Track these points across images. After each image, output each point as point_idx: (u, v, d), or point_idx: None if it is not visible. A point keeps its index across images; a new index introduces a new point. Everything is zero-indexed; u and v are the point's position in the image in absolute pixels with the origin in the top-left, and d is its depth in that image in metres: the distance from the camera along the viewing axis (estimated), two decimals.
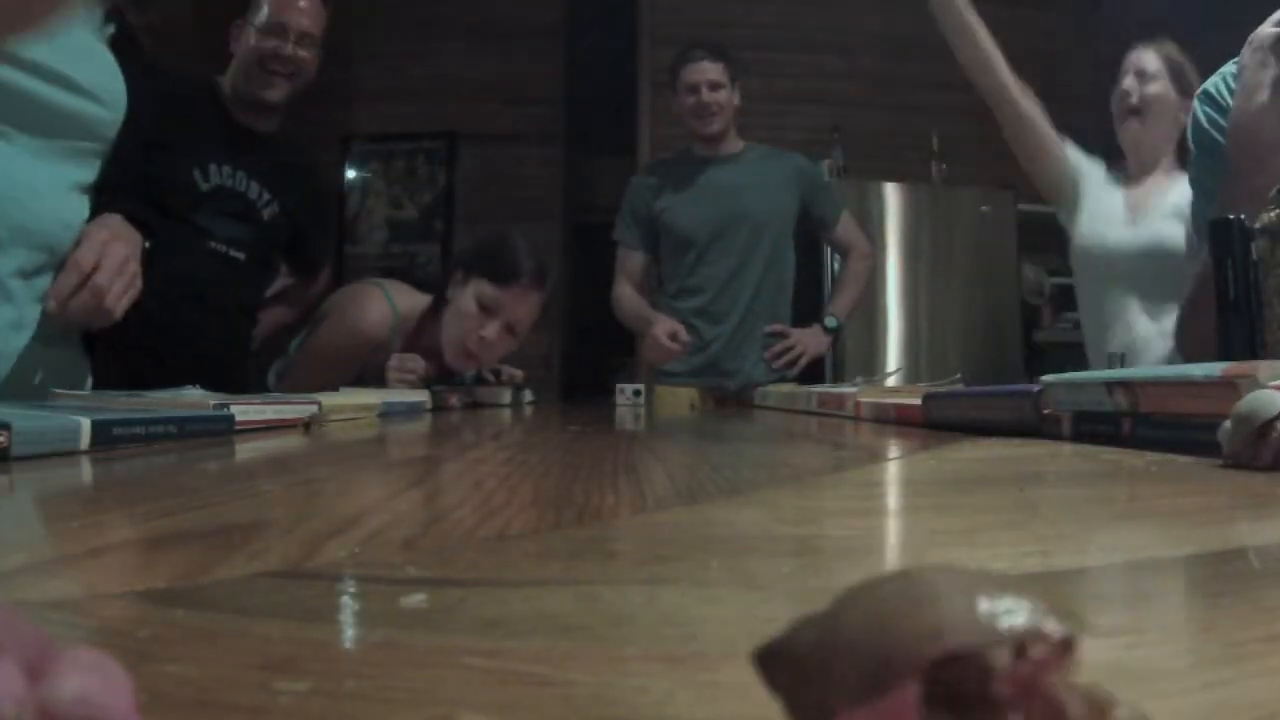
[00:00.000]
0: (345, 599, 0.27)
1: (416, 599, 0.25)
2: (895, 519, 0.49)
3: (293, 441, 0.98)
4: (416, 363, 2.06)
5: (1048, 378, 1.04)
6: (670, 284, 2.85)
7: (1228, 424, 0.64)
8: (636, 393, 2.45)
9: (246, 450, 0.88)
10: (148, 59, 1.52)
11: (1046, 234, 4.13)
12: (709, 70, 2.74)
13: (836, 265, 3.18)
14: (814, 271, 3.38)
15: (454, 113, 4.71)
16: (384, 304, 2.15)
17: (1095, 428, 0.95)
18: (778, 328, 2.78)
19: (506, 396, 2.28)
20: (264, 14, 2.00)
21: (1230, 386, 0.75)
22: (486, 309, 2.05)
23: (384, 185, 4.89)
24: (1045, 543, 0.37)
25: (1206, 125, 1.65)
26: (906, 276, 3.91)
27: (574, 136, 4.98)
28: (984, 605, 0.14)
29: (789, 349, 2.75)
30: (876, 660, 0.14)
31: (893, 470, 0.78)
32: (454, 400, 1.96)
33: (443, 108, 4.70)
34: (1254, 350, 1.11)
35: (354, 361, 2.06)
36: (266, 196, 2.05)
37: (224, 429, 0.98)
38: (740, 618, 0.25)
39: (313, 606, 0.25)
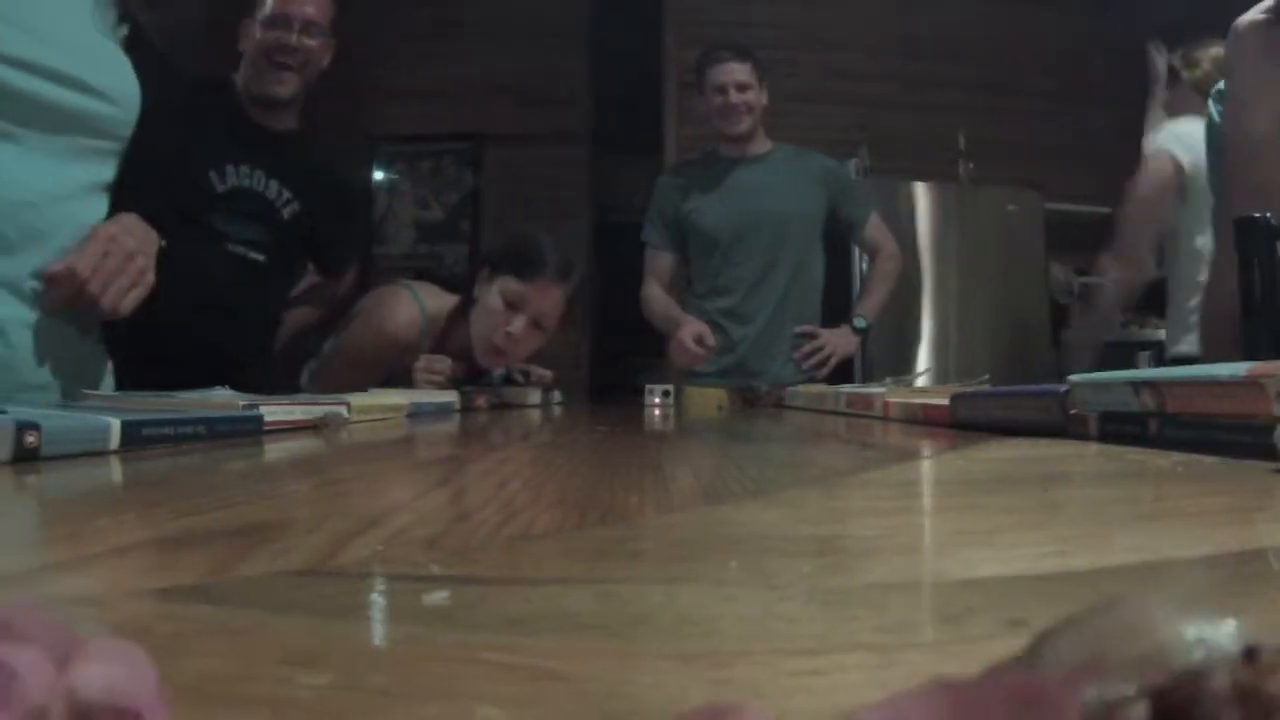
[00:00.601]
0: (368, 596, 0.27)
1: (439, 596, 0.25)
2: (918, 519, 0.50)
3: (320, 442, 0.98)
4: (444, 364, 2.07)
5: (1074, 377, 1.03)
6: (699, 284, 2.85)
7: None
8: (666, 394, 2.45)
9: (274, 451, 0.89)
10: (162, 59, 1.53)
11: (1074, 232, 4.13)
12: (736, 71, 2.74)
13: (865, 266, 3.18)
14: (843, 272, 3.38)
15: (480, 114, 4.73)
16: (412, 305, 2.16)
17: (1122, 428, 0.94)
18: (807, 328, 2.78)
19: (535, 397, 2.29)
20: (268, 6, 1.98)
21: (1257, 386, 0.75)
22: (512, 305, 2.09)
23: (410, 186, 4.91)
24: (1065, 543, 0.37)
25: (1220, 123, 1.64)
26: (935, 276, 3.91)
27: (599, 137, 4.99)
28: (1196, 628, 0.14)
29: (818, 349, 2.75)
30: (1098, 694, 0.13)
31: (917, 470, 0.78)
32: (481, 401, 1.97)
33: (469, 108, 4.72)
34: (1278, 350, 1.10)
35: (383, 363, 2.09)
36: (286, 195, 2.03)
37: (253, 429, 0.99)
38: (758, 617, 0.25)
39: (335, 603, 0.26)
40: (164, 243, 1.42)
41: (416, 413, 1.57)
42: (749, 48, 2.82)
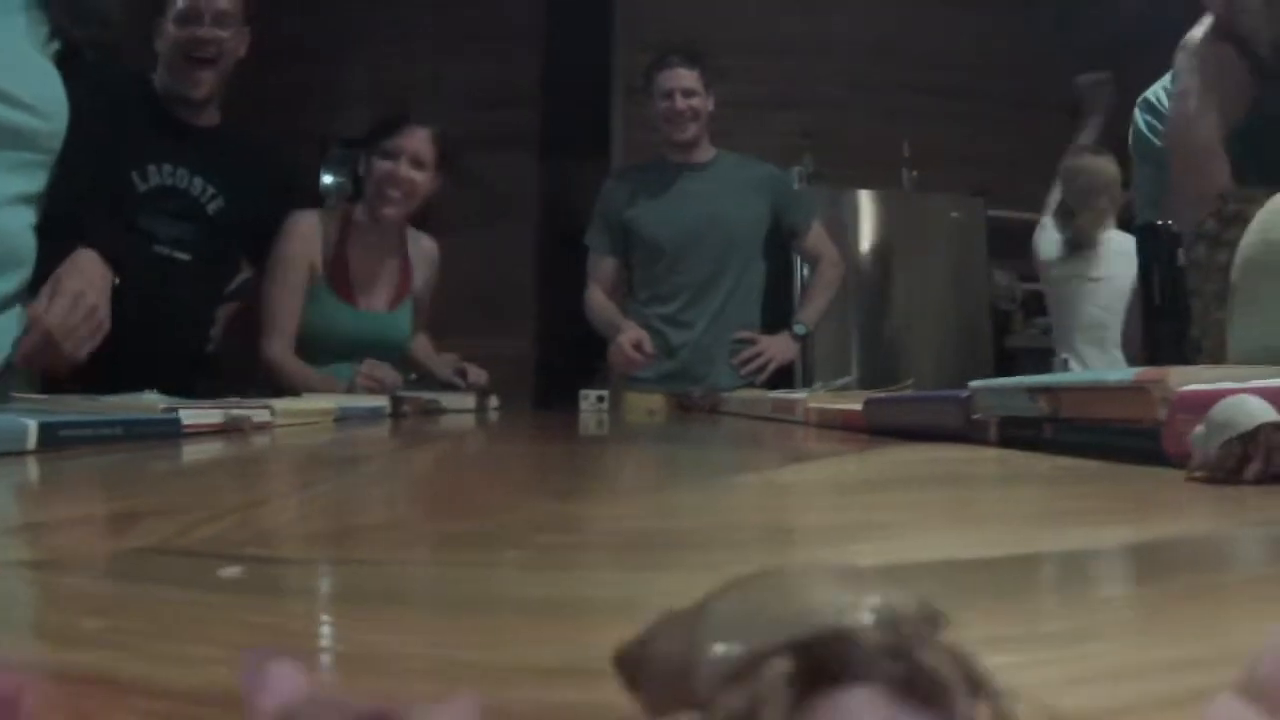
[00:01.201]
0: (177, 567, 0.32)
1: (233, 570, 0.30)
2: (758, 516, 0.54)
3: (235, 444, 1.02)
4: (385, 371, 2.12)
5: (975, 383, 1.08)
6: (641, 291, 2.89)
7: (1201, 429, 0.61)
8: (600, 398, 2.49)
9: (187, 451, 0.92)
10: (93, 70, 1.56)
11: (1016, 240, 4.19)
12: (684, 77, 2.77)
13: (807, 273, 3.22)
14: (784, 280, 3.42)
15: (427, 115, 4.74)
16: (307, 213, 2.29)
17: (1020, 432, 0.97)
18: (745, 335, 2.81)
19: (470, 402, 2.32)
20: (179, 2, 1.97)
21: (1142, 391, 0.78)
22: (390, 155, 2.26)
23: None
24: (886, 540, 0.41)
25: (1146, 133, 1.70)
26: (879, 283, 3.96)
27: (551, 142, 5.01)
28: (847, 592, 0.15)
29: (756, 355, 2.78)
30: (747, 646, 0.15)
31: (795, 473, 0.83)
32: (407, 407, 1.98)
33: (420, 111, 4.72)
34: (1181, 354, 1.15)
35: (299, 285, 2.22)
36: (211, 191, 2.04)
37: (171, 432, 1.03)
38: (532, 593, 0.29)
39: (147, 571, 0.30)
40: (117, 280, 1.50)
41: (344, 417, 1.60)
42: (698, 53, 2.85)
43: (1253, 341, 0.96)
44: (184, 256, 2.01)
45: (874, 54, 4.76)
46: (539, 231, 4.82)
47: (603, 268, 2.91)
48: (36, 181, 1.43)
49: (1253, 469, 0.56)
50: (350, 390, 2.06)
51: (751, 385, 2.68)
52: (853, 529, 0.46)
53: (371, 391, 2.03)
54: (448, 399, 2.25)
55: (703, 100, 2.79)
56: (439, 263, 2.66)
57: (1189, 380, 0.74)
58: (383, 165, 2.26)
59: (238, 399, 1.32)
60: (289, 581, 0.30)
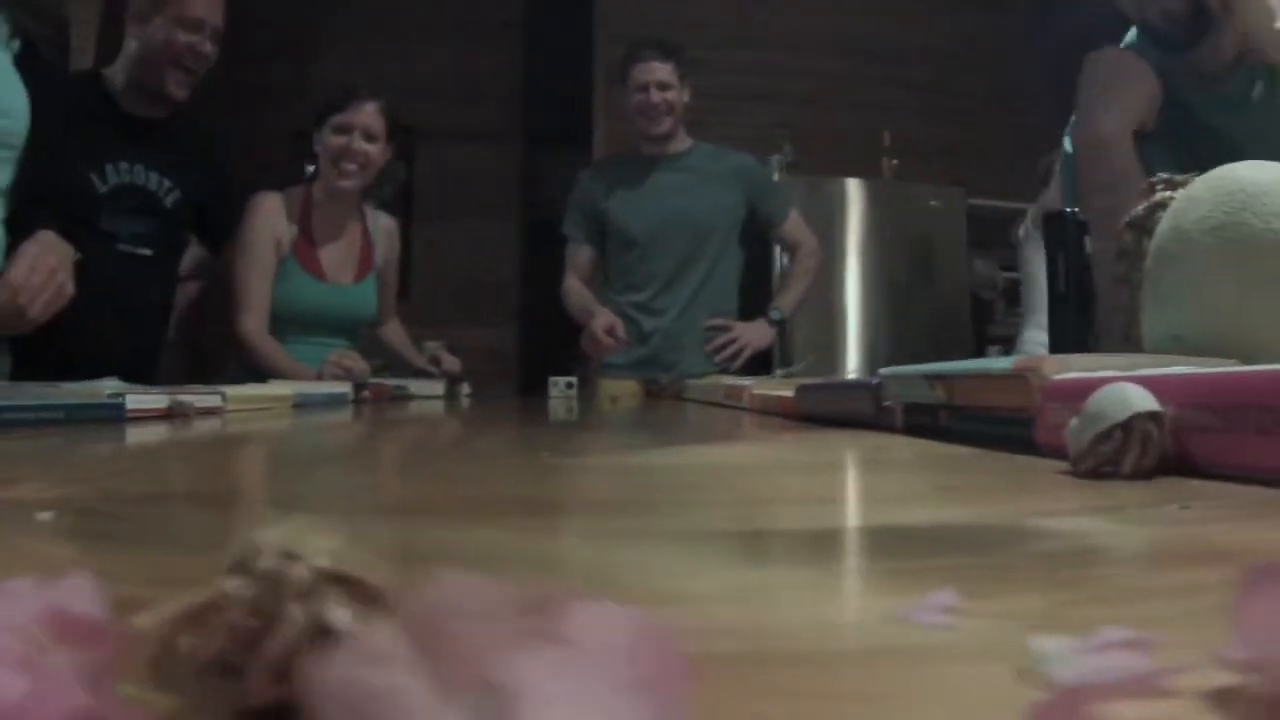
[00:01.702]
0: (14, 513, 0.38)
1: (46, 515, 0.35)
2: (605, 492, 0.59)
3: (177, 428, 1.07)
4: (354, 360, 2.18)
5: (884, 370, 1.11)
6: (615, 279, 2.95)
7: (1075, 421, 0.58)
8: (569, 385, 2.54)
9: (117, 433, 0.98)
10: (52, 69, 1.62)
11: (996, 229, 4.24)
12: (658, 70, 2.80)
13: (785, 261, 3.26)
14: (763, 268, 3.47)
15: (412, 108, 4.77)
16: (269, 193, 2.37)
17: (921, 419, 0.99)
18: (718, 322, 2.87)
19: (440, 389, 2.37)
20: (184, 8, 2.00)
21: (1021, 379, 0.77)
22: (342, 130, 2.36)
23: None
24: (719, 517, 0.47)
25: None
26: (859, 271, 4.00)
27: (531, 133, 5.05)
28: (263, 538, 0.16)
29: (730, 342, 2.83)
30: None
31: (688, 457, 0.88)
32: (367, 393, 2.03)
33: (401, 103, 4.76)
34: (1085, 342, 1.19)
35: (268, 264, 2.31)
36: (167, 184, 2.09)
37: (114, 415, 1.08)
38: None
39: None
40: (78, 255, 1.56)
41: (304, 403, 1.64)
42: (674, 46, 2.89)
43: (1162, 331, 0.94)
44: (146, 252, 2.06)
45: (851, 46, 4.80)
46: (521, 222, 4.86)
47: (579, 257, 2.97)
48: (4, 176, 1.49)
49: (1128, 461, 0.54)
50: (319, 378, 2.11)
51: (725, 371, 2.72)
52: (682, 504, 0.51)
53: (339, 379, 2.08)
54: (416, 385, 2.31)
55: (677, 93, 2.84)
56: (398, 239, 2.77)
57: (1065, 369, 0.74)
58: (336, 140, 2.35)
59: (195, 385, 1.37)
60: (90, 528, 0.36)
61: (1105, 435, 0.55)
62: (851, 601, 0.26)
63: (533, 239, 5.07)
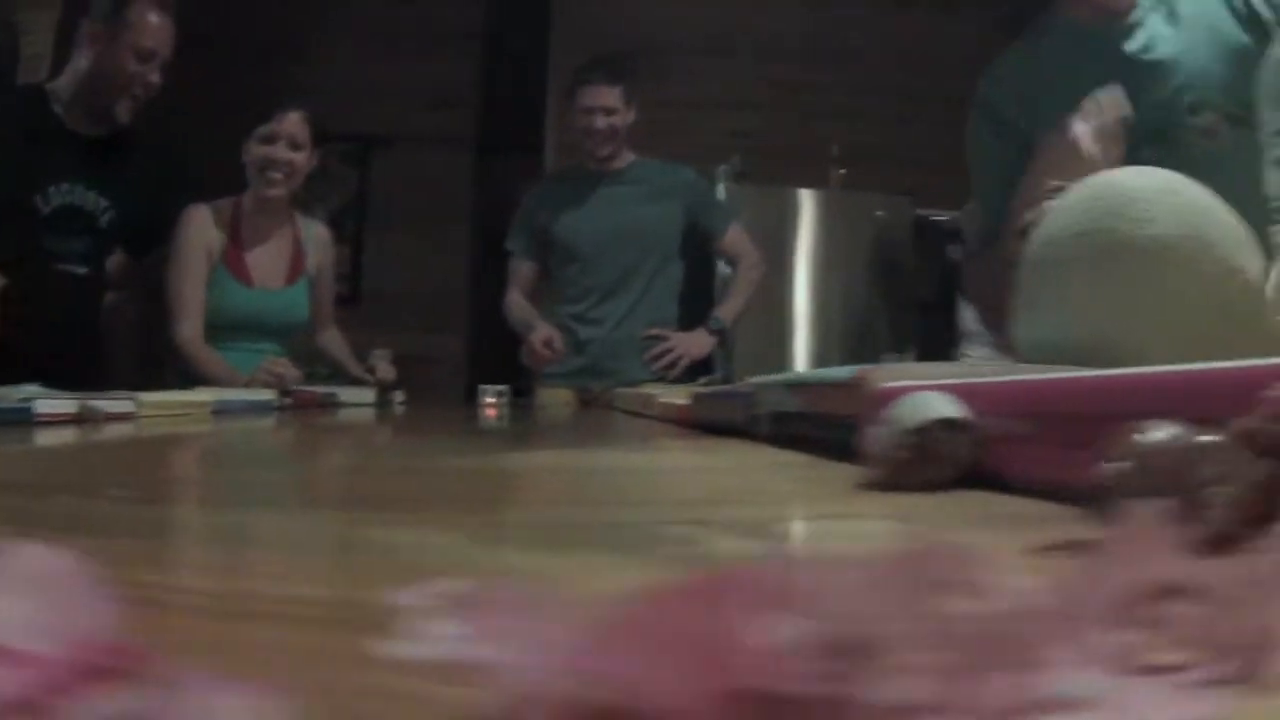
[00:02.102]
0: None
1: None
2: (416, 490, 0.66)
3: (85, 432, 1.14)
4: (285, 367, 2.24)
5: (754, 379, 1.16)
6: (556, 292, 3.03)
7: (882, 429, 0.56)
8: (500, 394, 2.59)
9: (28, 436, 1.04)
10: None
11: (943, 239, 4.31)
12: (604, 95, 2.87)
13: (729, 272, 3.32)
14: (707, 279, 3.53)
15: (368, 116, 4.83)
16: (198, 206, 2.43)
17: (785, 427, 1.01)
18: (656, 332, 2.93)
19: (370, 396, 2.42)
20: (139, 36, 2.07)
21: (858, 388, 0.77)
22: (267, 140, 2.45)
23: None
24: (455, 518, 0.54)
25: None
26: (805, 280, 4.08)
27: (486, 142, 5.10)
28: None
29: (668, 351, 2.90)
30: None
31: (540, 460, 0.95)
32: (290, 399, 2.05)
33: (357, 110, 4.80)
34: (948, 348, 1.25)
35: (201, 272, 2.39)
36: (104, 204, 2.16)
37: (21, 419, 1.14)
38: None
39: None
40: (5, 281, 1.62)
41: (223, 410, 1.67)
42: (623, 67, 2.97)
43: (1032, 339, 0.95)
44: (82, 270, 2.14)
45: (806, 54, 4.87)
46: (473, 231, 4.90)
47: (522, 272, 3.05)
48: None
49: (925, 471, 0.53)
50: (250, 385, 2.16)
51: (663, 380, 2.78)
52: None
53: (270, 386, 2.14)
54: (346, 393, 2.34)
55: (622, 116, 2.91)
56: (332, 249, 2.84)
57: (894, 377, 0.72)
58: (261, 150, 2.45)
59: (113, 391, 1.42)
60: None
61: (899, 444, 0.53)
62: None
63: (485, 247, 5.12)
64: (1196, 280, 0.78)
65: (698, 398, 1.43)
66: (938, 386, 0.57)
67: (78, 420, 1.23)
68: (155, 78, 2.12)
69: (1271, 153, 0.85)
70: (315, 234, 2.73)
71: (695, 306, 3.13)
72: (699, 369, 2.95)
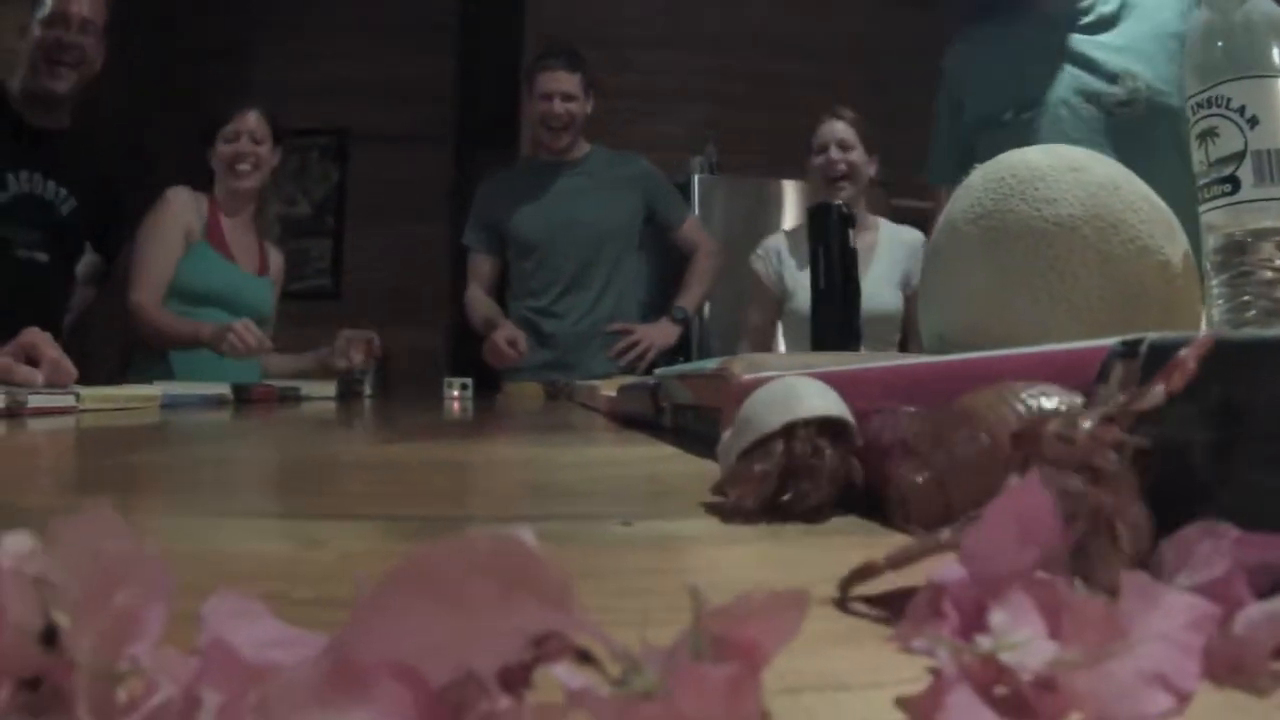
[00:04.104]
0: None
1: None
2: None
3: (11, 426, 1.20)
4: (254, 335, 2.37)
5: (660, 370, 1.18)
6: (516, 285, 3.08)
7: (727, 435, 0.46)
8: (464, 386, 2.66)
9: None
10: None
11: (922, 229, 4.36)
12: (564, 81, 2.92)
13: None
14: (676, 271, 3.59)
15: (346, 110, 4.90)
16: (181, 187, 2.59)
17: (682, 420, 1.04)
18: (619, 326, 2.99)
19: (331, 390, 2.48)
20: (47, 6, 2.14)
21: (722, 379, 0.76)
22: (230, 139, 2.61)
23: (276, 181, 5.04)
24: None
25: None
26: None
27: (462, 136, 5.15)
28: None
29: (634, 344, 2.96)
30: None
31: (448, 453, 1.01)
32: (249, 394, 2.09)
33: (335, 105, 4.87)
34: (846, 339, 1.27)
35: (175, 246, 2.52)
36: (63, 194, 2.24)
37: None
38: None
39: None
40: None
41: (173, 404, 1.73)
42: (580, 56, 3.00)
43: (930, 329, 0.89)
44: (42, 257, 2.20)
45: (782, 45, 4.92)
46: (451, 225, 4.96)
47: (481, 267, 3.11)
48: None
49: (792, 493, 0.42)
50: (216, 336, 2.33)
51: (631, 372, 2.83)
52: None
53: (234, 349, 2.29)
54: (307, 386, 2.39)
55: (580, 104, 2.96)
56: (283, 273, 3.00)
57: (757, 368, 0.72)
58: (226, 148, 2.61)
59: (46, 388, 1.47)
60: None
61: (751, 453, 0.42)
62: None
63: (461, 242, 5.19)
64: (1102, 262, 0.73)
65: (620, 390, 1.46)
66: (808, 375, 0.48)
67: (7, 414, 1.28)
68: (86, 40, 2.17)
69: (1196, 126, 0.82)
70: (273, 256, 2.90)
71: (662, 298, 3.21)
72: (670, 359, 2.95)
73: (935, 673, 0.18)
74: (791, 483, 0.41)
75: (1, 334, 1.97)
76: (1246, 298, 0.72)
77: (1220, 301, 0.75)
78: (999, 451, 0.29)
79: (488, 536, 0.17)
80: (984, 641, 0.18)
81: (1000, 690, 0.18)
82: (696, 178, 4.00)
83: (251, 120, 2.64)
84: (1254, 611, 0.19)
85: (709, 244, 3.18)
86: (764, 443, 0.41)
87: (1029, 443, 0.28)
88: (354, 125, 4.93)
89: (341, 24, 4.96)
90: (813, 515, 0.41)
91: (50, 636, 0.16)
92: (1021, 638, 0.18)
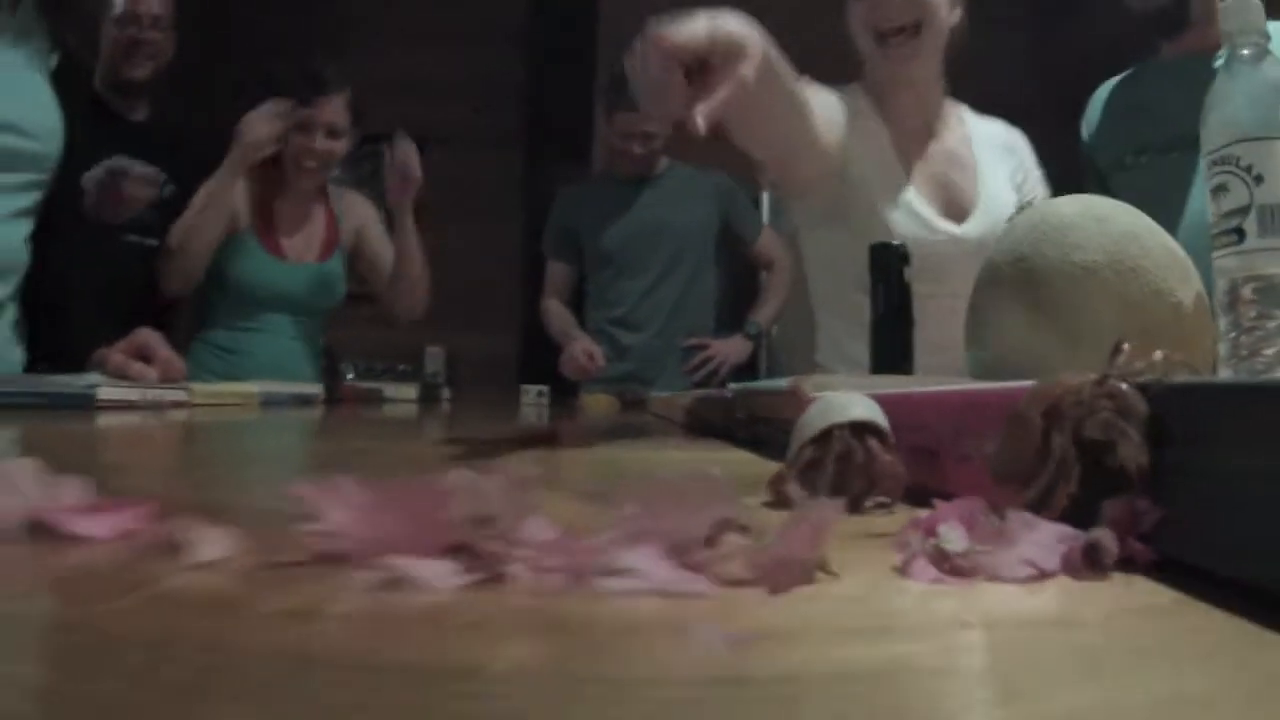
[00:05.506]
0: None
1: None
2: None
3: (144, 418, 1.32)
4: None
5: (733, 385, 1.27)
6: (593, 296, 3.18)
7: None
8: (540, 394, 2.74)
9: (90, 419, 1.23)
10: (87, 78, 1.88)
11: None
12: (645, 121, 2.92)
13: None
14: (749, 284, 3.66)
15: (420, 115, 4.99)
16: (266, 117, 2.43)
17: (758, 430, 1.06)
18: (694, 341, 3.08)
19: (414, 393, 2.60)
20: (117, 6, 2.24)
21: (794, 395, 0.83)
22: (305, 128, 2.45)
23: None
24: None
25: None
26: None
27: (534, 139, 5.23)
28: None
29: (708, 360, 3.05)
30: None
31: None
32: (340, 393, 2.21)
33: (409, 110, 4.96)
34: (900, 363, 1.35)
35: (219, 216, 2.36)
36: (163, 178, 2.34)
37: (85, 404, 1.35)
38: None
39: None
40: None
41: (271, 401, 1.86)
42: None
43: (973, 361, 0.97)
44: (152, 242, 2.30)
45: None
46: (523, 230, 5.03)
47: (557, 276, 3.21)
48: (33, 197, 1.75)
49: (823, 481, 0.50)
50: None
51: (705, 387, 2.89)
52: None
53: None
54: (390, 388, 2.51)
55: (660, 138, 3.03)
56: (372, 207, 2.88)
57: (828, 386, 0.79)
58: (298, 140, 2.46)
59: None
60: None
61: (803, 451, 0.51)
62: None
63: (535, 246, 5.25)
64: (1119, 304, 0.81)
65: (697, 402, 1.56)
66: (872, 394, 0.56)
67: (138, 407, 1.42)
68: (158, 35, 2.29)
69: (1211, 181, 0.92)
70: (346, 201, 2.77)
71: (736, 312, 3.28)
72: (743, 374, 3.04)
73: (911, 554, 0.33)
74: (835, 476, 0.49)
75: (118, 320, 2.09)
76: (1244, 336, 0.86)
77: (1230, 335, 0.87)
78: (1033, 423, 0.38)
79: (695, 476, 0.36)
80: (935, 538, 0.33)
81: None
82: (766, 193, 4.07)
83: (333, 110, 2.49)
84: (1103, 536, 0.32)
85: (785, 259, 3.19)
86: (811, 443, 0.51)
87: (1053, 414, 0.38)
88: (427, 130, 5.01)
89: (408, 26, 5.07)
90: (853, 505, 0.49)
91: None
92: (953, 537, 0.32)
